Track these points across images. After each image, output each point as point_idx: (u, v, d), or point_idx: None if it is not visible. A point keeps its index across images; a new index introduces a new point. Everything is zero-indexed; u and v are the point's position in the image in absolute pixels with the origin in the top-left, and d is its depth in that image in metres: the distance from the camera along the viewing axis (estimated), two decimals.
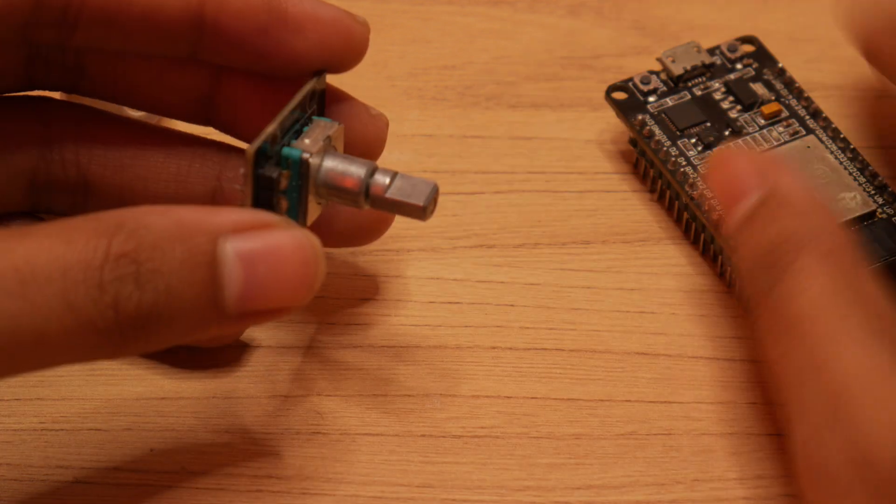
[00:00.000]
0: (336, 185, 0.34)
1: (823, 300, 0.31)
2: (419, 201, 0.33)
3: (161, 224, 0.30)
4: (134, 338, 0.30)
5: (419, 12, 0.45)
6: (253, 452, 0.35)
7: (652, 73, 0.41)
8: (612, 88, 0.41)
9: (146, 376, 0.37)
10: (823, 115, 0.40)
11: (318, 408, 0.36)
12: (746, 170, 0.34)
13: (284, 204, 0.33)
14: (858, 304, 0.31)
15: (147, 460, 0.35)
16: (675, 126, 0.40)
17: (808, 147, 0.39)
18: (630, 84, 0.41)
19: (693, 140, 0.40)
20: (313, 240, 0.31)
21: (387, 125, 0.36)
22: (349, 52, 0.34)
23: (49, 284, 0.29)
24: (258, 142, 0.32)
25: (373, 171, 0.34)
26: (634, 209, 0.40)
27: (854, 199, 0.38)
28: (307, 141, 0.34)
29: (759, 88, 0.41)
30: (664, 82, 0.41)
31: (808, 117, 0.40)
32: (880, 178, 0.39)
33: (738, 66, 0.41)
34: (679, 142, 0.39)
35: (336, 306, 0.38)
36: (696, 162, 0.39)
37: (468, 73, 0.44)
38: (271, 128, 0.33)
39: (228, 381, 0.37)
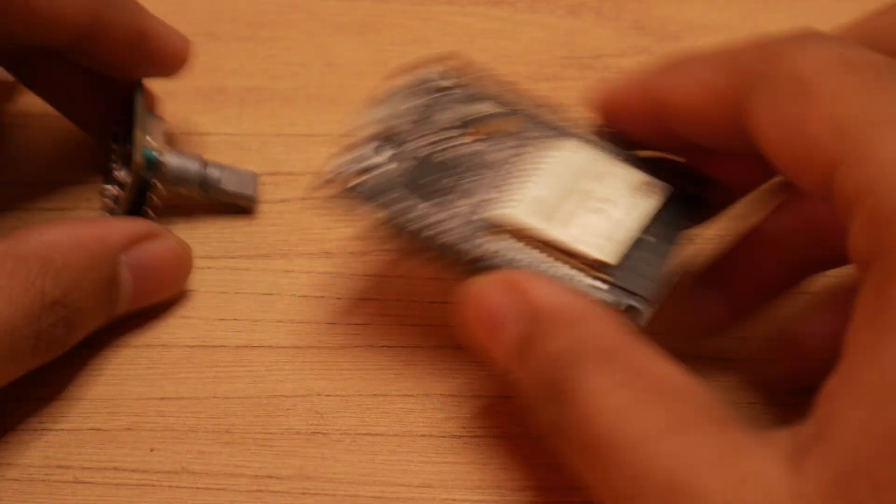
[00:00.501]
0: (178, 180, 0.39)
1: (618, 409, 0.29)
2: (251, 192, 0.40)
3: (76, 258, 0.34)
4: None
5: (419, 12, 0.45)
6: (253, 452, 0.35)
7: (361, 145, 0.35)
8: (334, 176, 0.34)
9: (146, 376, 0.37)
10: (563, 110, 0.36)
11: (318, 408, 0.36)
12: (499, 300, 0.32)
13: (156, 200, 0.38)
14: (653, 395, 0.29)
15: (147, 460, 0.35)
16: (426, 190, 0.34)
17: (575, 152, 0.35)
18: (350, 169, 0.34)
19: (452, 196, 0.34)
20: (184, 244, 0.38)
21: (189, 43, 0.39)
22: (176, 71, 0.40)
23: (2, 348, 0.32)
24: (143, 151, 0.37)
25: (205, 165, 0.39)
26: None
27: (653, 187, 0.35)
28: (151, 140, 0.38)
29: (482, 107, 0.36)
30: (382, 150, 0.35)
31: (552, 120, 0.36)
32: (653, 158, 0.36)
33: (449, 93, 0.36)
34: (440, 203, 0.34)
35: (336, 306, 0.38)
36: (468, 218, 0.34)
37: None
38: (142, 135, 0.38)
39: (228, 381, 0.37)
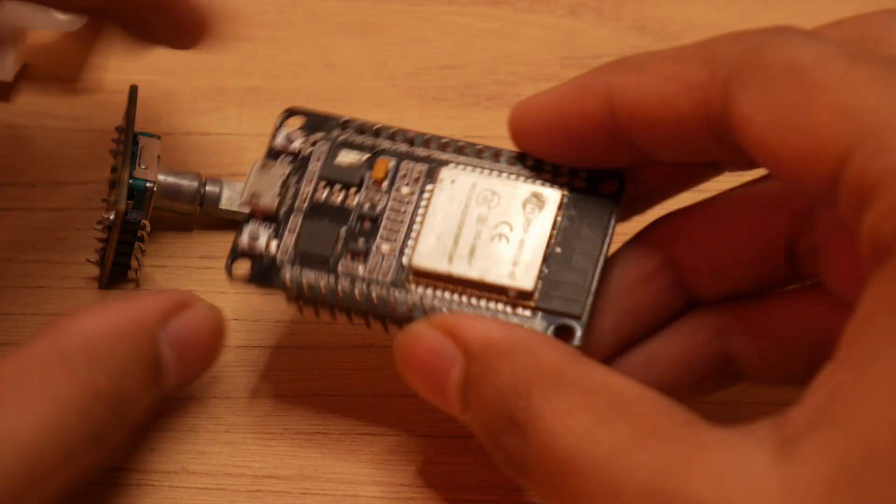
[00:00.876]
0: (174, 200, 0.39)
1: (581, 430, 0.28)
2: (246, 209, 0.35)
3: (120, 347, 0.32)
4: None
5: (419, 12, 0.45)
6: (253, 452, 0.35)
7: (246, 223, 0.34)
8: (232, 262, 0.34)
9: None
10: (427, 135, 0.35)
11: (317, 408, 0.36)
12: (432, 348, 0.31)
13: (146, 240, 0.38)
14: (613, 410, 0.28)
15: (147, 460, 0.35)
16: (321, 257, 0.34)
17: (454, 181, 0.34)
18: (243, 251, 0.34)
19: (349, 257, 0.34)
20: (216, 309, 0.35)
21: (213, 15, 0.37)
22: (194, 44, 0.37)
23: (54, 457, 0.30)
24: (125, 196, 0.37)
25: (203, 183, 0.39)
26: None
27: (543, 196, 0.33)
28: (143, 167, 0.38)
29: (348, 157, 0.35)
30: (268, 224, 0.34)
31: (418, 150, 0.35)
32: (531, 160, 0.34)
33: (311, 149, 0.35)
34: (339, 268, 0.33)
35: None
36: (372, 277, 0.33)
37: (469, 73, 0.44)
38: (127, 176, 0.37)
39: (228, 381, 0.37)
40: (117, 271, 0.38)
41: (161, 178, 0.38)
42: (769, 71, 0.29)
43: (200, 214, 0.39)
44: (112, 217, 0.37)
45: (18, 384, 0.31)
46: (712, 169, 0.35)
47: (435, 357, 0.31)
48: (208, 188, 0.39)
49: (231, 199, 0.39)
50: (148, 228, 0.38)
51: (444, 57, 0.44)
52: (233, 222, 0.39)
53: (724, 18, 0.45)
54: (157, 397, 0.34)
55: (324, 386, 0.37)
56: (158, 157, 0.38)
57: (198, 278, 0.38)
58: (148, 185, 0.38)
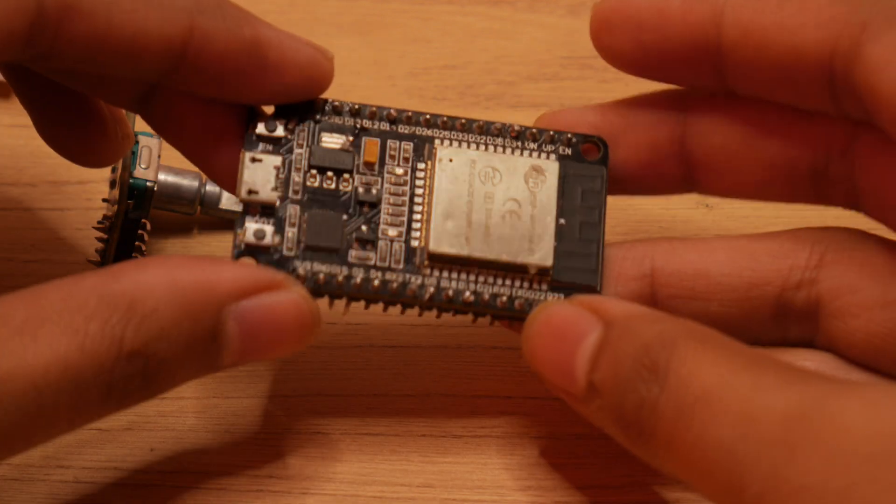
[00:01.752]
0: (174, 199, 0.39)
1: (725, 373, 0.28)
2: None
3: (169, 306, 0.30)
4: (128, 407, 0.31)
5: (419, 12, 0.45)
6: (253, 452, 0.35)
7: (244, 219, 0.33)
8: (237, 259, 0.33)
9: None
10: (407, 112, 0.34)
11: (317, 408, 0.36)
12: (571, 317, 0.32)
13: (146, 235, 0.38)
14: (757, 364, 0.28)
15: (147, 460, 0.35)
16: (330, 249, 0.33)
17: (452, 160, 0.34)
18: (249, 247, 0.33)
19: (357, 245, 0.33)
20: (310, 301, 0.32)
21: (327, 53, 0.34)
22: (316, 90, 0.34)
23: (62, 396, 0.29)
24: (125, 196, 0.37)
25: (203, 183, 0.39)
26: (635, 209, 0.40)
27: (543, 169, 0.34)
28: (143, 167, 0.38)
29: (332, 141, 0.34)
30: (267, 218, 0.33)
31: (400, 127, 0.34)
32: (531, 130, 0.34)
33: (291, 136, 0.34)
34: (350, 258, 0.33)
35: (336, 306, 0.38)
36: (385, 264, 0.33)
37: (468, 73, 0.44)
38: (127, 176, 0.37)
39: (228, 381, 0.37)
40: None
41: (161, 178, 0.39)
42: None
43: (200, 214, 0.40)
44: (112, 217, 0.37)
45: (49, 316, 0.29)
46: (683, 187, 0.35)
47: (573, 324, 0.31)
48: (208, 188, 0.39)
49: (231, 199, 0.39)
50: (148, 228, 0.38)
51: (444, 57, 0.44)
52: (233, 222, 0.40)
53: None
54: (212, 369, 0.32)
55: (324, 386, 0.37)
56: (158, 157, 0.38)
57: None
58: (148, 185, 0.38)
